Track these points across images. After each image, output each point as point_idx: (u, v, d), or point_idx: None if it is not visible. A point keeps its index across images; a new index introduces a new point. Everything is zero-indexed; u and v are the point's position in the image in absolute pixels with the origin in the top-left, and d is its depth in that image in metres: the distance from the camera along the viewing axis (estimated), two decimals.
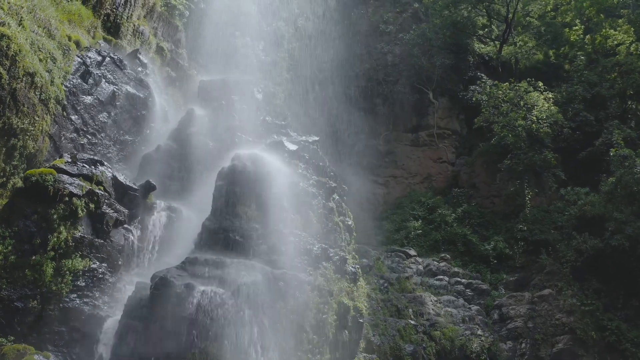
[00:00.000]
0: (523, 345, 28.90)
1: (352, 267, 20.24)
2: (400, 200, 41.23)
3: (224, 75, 26.10)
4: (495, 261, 34.30)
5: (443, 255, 35.30)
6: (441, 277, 33.24)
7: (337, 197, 22.06)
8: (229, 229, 16.57)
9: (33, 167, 17.49)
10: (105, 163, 18.33)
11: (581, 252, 29.84)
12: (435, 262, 34.53)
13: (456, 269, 34.03)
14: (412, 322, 27.72)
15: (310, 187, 19.55)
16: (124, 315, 14.98)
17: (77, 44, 20.85)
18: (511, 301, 31.29)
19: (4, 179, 16.90)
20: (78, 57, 20.46)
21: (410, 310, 28.89)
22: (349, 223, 22.30)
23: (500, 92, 36.54)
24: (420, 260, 35.07)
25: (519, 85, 36.31)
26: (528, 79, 37.09)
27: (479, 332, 29.10)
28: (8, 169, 16.99)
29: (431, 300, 30.20)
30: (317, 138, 23.30)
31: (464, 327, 29.10)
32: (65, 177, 16.44)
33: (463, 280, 33.12)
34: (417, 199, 40.32)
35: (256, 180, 17.42)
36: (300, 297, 16.18)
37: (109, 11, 23.95)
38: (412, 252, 35.63)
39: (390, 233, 37.92)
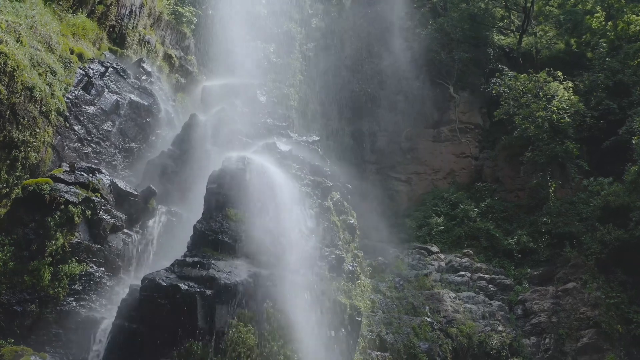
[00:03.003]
0: (547, 340, 28.52)
1: (351, 265, 20.32)
2: (423, 197, 40.98)
3: (233, 79, 26.52)
4: (519, 255, 33.81)
5: (466, 251, 34.94)
6: (463, 273, 32.93)
7: (338, 196, 22.15)
8: (218, 230, 16.91)
9: (36, 177, 18.25)
10: (104, 171, 18.96)
11: (605, 243, 29.29)
12: (457, 258, 34.21)
13: (479, 265, 33.65)
14: (429, 319, 27.56)
15: (304, 187, 19.73)
16: (117, 317, 15.45)
17: (80, 56, 21.62)
18: (535, 296, 30.85)
19: (7, 189, 17.74)
20: (80, 69, 21.22)
21: (427, 307, 28.70)
22: (351, 222, 22.35)
23: (519, 83, 35.93)
24: (442, 256, 34.82)
25: (537, 76, 35.60)
26: (547, 69, 36.33)
27: (500, 328, 28.77)
28: (11, 179, 17.83)
29: (450, 297, 29.91)
30: (317, 138, 23.47)
31: (484, 323, 28.81)
32: (61, 186, 17.10)
33: (486, 276, 32.74)
34: (440, 195, 40.03)
35: (245, 182, 17.70)
36: (289, 296, 16.36)
37: (114, 22, 24.72)
38: (435, 248, 35.38)
39: (413, 230, 37.77)
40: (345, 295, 19.25)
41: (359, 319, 19.26)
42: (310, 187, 19.95)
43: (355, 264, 21.05)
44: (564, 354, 27.65)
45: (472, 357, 27.18)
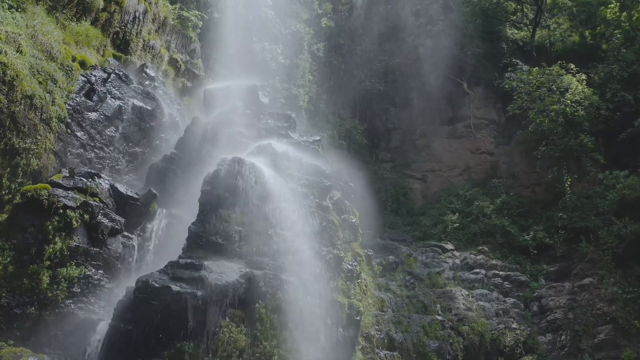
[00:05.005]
0: (563, 337, 28.24)
1: (350, 265, 20.29)
2: (439, 194, 40.79)
3: (235, 81, 26.71)
4: (535, 251, 33.45)
5: (481, 248, 34.70)
6: (477, 270, 32.67)
7: (339, 195, 22.16)
8: (212, 232, 17.10)
9: (39, 183, 18.64)
10: (103, 175, 19.30)
11: (622, 237, 28.74)
12: (472, 256, 33.96)
13: (494, 262, 33.36)
14: (439, 317, 27.42)
15: (301, 187, 19.76)
16: (114, 319, 15.74)
17: (83, 63, 22.03)
18: (551, 292, 30.53)
19: (10, 195, 18.18)
20: (82, 76, 21.62)
21: (438, 305, 28.56)
22: (353, 221, 22.33)
23: (531, 77, 35.47)
24: (457, 254, 34.60)
25: (550, 69, 35.10)
26: (560, 61, 35.80)
27: (514, 325, 28.54)
28: (13, 186, 18.28)
29: (462, 295, 29.72)
30: (318, 138, 23.46)
31: (497, 321, 28.59)
32: (59, 191, 17.47)
33: (501, 273, 32.48)
34: (455, 192, 39.80)
35: (238, 184, 17.86)
36: (282, 296, 16.43)
37: (117, 29, 25.13)
38: (449, 246, 35.17)
39: (428, 228, 37.66)
40: (343, 295, 19.24)
41: (357, 318, 19.24)
42: (307, 187, 19.97)
43: (355, 263, 21.00)
44: (581, 351, 27.32)
45: (485, 355, 26.97)
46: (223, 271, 15.98)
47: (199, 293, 15.22)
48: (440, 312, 28.00)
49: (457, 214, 37.51)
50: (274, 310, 16.16)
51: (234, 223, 17.25)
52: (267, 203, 17.86)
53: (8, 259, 16.36)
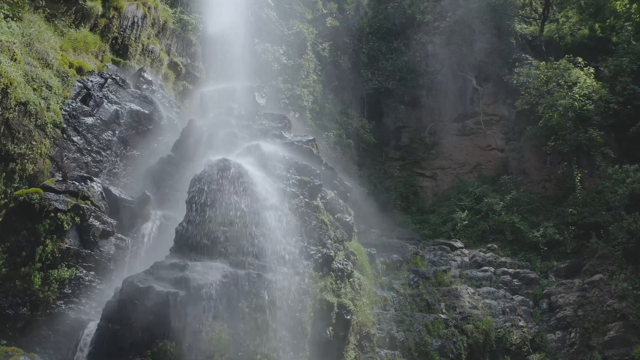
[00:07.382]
0: (572, 334, 28.00)
1: (340, 264, 20.30)
2: (449, 192, 40.61)
3: (232, 83, 27.02)
4: (545, 248, 33.05)
5: (490, 245, 34.44)
6: (486, 268, 32.45)
7: (333, 194, 22.21)
8: (197, 232, 17.31)
9: (35, 187, 19.13)
10: (95, 179, 19.69)
11: (632, 233, 28.17)
12: (481, 253, 33.75)
13: (503, 259, 33.10)
14: (443, 316, 27.32)
15: (290, 187, 19.85)
16: (102, 319, 16.04)
17: (80, 69, 22.52)
18: (560, 289, 30.23)
19: (6, 200, 18.66)
20: (79, 81, 22.09)
21: (443, 304, 28.44)
22: (347, 220, 22.35)
23: (539, 72, 35.06)
24: (466, 252, 34.40)
25: (557, 63, 34.63)
26: (568, 55, 35.30)
27: (521, 323, 28.31)
28: (9, 191, 18.76)
29: (468, 293, 29.54)
30: (312, 138, 23.53)
31: (504, 319, 28.37)
32: (51, 195, 17.89)
33: (510, 270, 32.22)
34: (465, 189, 39.59)
35: (224, 184, 18.06)
36: (266, 296, 16.53)
37: (116, 34, 25.57)
38: (459, 244, 35.00)
39: (437, 226, 37.53)
40: (333, 294, 19.29)
41: (347, 317, 19.27)
42: (296, 186, 20.06)
43: (346, 262, 21.02)
44: (590, 348, 27.03)
45: (490, 354, 26.77)
46: (206, 271, 16.17)
47: (182, 293, 15.43)
48: (444, 310, 27.86)
49: (466, 211, 37.30)
50: (257, 310, 16.26)
51: (219, 223, 17.44)
52: (252, 203, 17.99)
53: (1, 261, 16.83)
